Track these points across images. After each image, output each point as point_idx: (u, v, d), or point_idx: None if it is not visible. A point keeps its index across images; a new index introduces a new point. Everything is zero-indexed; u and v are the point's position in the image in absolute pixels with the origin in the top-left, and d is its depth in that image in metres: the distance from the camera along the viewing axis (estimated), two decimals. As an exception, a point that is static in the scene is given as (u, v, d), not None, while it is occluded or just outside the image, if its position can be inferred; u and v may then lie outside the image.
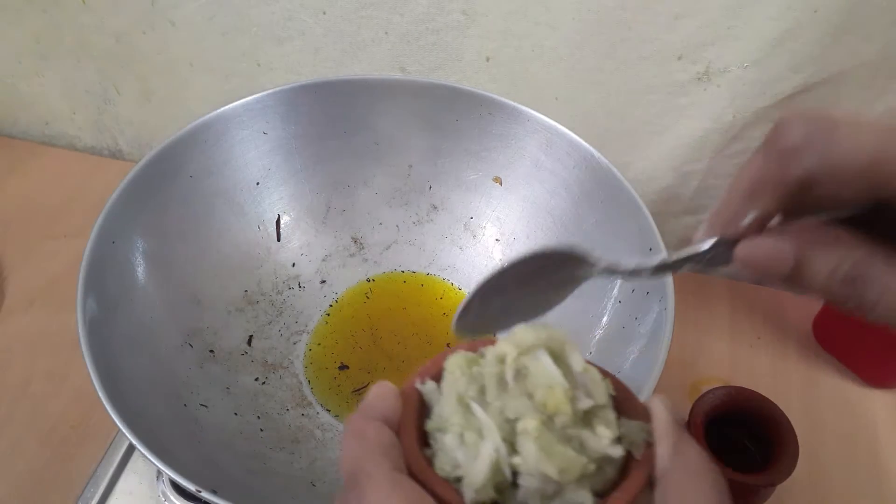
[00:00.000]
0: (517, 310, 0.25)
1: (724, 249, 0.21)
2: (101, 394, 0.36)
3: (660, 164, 0.61)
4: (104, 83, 0.73)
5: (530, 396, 0.20)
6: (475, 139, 0.55)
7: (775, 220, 0.20)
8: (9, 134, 0.82)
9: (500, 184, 0.56)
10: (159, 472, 0.46)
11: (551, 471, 0.19)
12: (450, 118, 0.55)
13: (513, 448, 0.20)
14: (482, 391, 0.21)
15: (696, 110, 0.56)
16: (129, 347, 0.42)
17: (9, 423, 0.52)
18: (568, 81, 0.58)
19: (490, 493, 0.19)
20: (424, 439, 0.22)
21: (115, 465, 0.47)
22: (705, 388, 0.47)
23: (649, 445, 0.20)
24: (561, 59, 0.57)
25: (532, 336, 0.21)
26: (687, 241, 0.23)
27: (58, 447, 0.51)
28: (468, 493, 0.19)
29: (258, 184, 0.55)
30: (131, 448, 0.48)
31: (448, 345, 0.54)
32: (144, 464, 0.48)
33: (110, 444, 0.49)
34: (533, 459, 0.19)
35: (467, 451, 0.20)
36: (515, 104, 0.53)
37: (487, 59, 0.60)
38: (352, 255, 0.59)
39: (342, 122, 0.56)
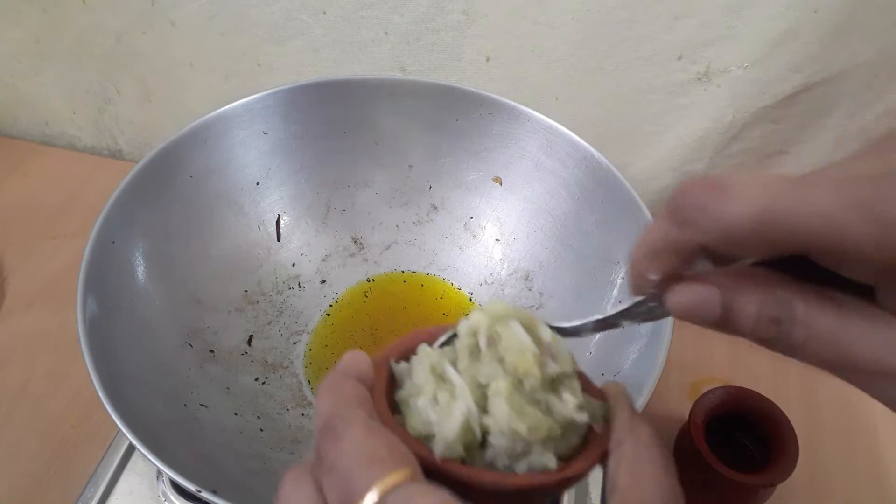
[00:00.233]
0: None
1: (658, 302, 0.21)
2: (101, 394, 0.36)
3: (660, 164, 0.61)
4: (104, 83, 0.73)
5: (501, 361, 0.21)
6: (475, 139, 0.55)
7: (705, 266, 0.20)
8: (9, 134, 0.82)
9: (500, 184, 0.56)
10: (159, 472, 0.46)
11: (521, 428, 0.20)
12: (450, 118, 0.55)
13: (484, 411, 0.21)
14: (454, 363, 0.22)
15: (696, 110, 0.56)
16: (129, 348, 0.42)
17: (9, 423, 0.52)
18: (568, 81, 0.58)
19: (459, 451, 0.20)
20: (394, 410, 0.23)
21: (115, 465, 0.47)
22: (705, 388, 0.47)
23: (607, 422, 0.22)
24: (561, 59, 0.57)
25: (504, 307, 0.22)
26: None
27: (58, 447, 0.51)
28: (439, 447, 0.20)
29: (258, 184, 0.55)
30: (131, 448, 0.48)
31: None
32: (144, 464, 0.47)
33: (110, 444, 0.49)
34: (504, 418, 0.20)
35: (440, 410, 0.21)
36: (515, 104, 0.53)
37: (487, 59, 0.60)
38: (352, 255, 0.59)
39: (342, 122, 0.56)
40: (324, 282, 0.57)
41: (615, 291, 0.48)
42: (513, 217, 0.57)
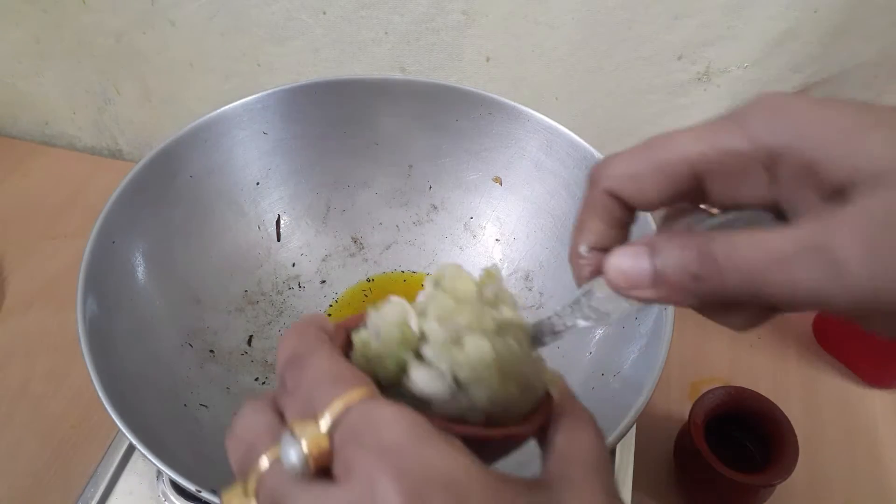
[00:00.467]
0: None
1: (605, 293, 0.22)
2: (101, 394, 0.36)
3: (660, 164, 0.61)
4: (104, 83, 0.73)
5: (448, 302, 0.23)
6: (475, 139, 0.55)
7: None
8: (9, 134, 0.82)
9: (500, 184, 0.56)
10: (159, 472, 0.46)
11: (457, 318, 0.22)
12: (450, 118, 0.55)
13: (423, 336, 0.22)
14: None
15: (696, 110, 0.56)
16: (129, 348, 0.42)
17: (9, 423, 0.52)
18: (568, 81, 0.58)
19: (396, 336, 0.22)
20: None
21: (115, 465, 0.47)
22: (705, 388, 0.47)
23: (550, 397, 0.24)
24: (561, 59, 0.57)
25: (456, 266, 0.25)
26: None
27: (58, 447, 0.51)
28: (373, 337, 0.22)
29: (258, 184, 0.55)
30: (131, 448, 0.48)
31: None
32: (144, 464, 0.47)
33: (110, 444, 0.49)
34: (440, 308, 0.22)
35: (381, 317, 0.23)
36: (515, 104, 0.53)
37: (487, 59, 0.60)
38: (352, 255, 0.59)
39: (342, 122, 0.56)
40: (324, 282, 0.57)
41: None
42: (513, 217, 0.57)
